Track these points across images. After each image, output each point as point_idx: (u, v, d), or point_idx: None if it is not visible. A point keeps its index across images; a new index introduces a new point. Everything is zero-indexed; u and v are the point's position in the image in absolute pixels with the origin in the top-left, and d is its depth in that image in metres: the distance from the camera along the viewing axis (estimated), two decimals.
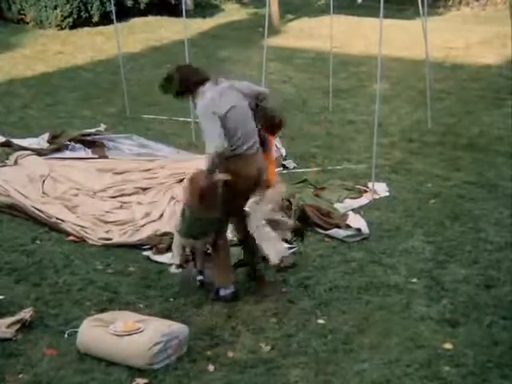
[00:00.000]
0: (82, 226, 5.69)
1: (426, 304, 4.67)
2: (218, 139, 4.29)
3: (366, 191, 6.64)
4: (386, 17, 6.54)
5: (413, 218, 6.12)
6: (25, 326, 4.22)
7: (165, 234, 5.55)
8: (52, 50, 12.76)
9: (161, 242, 5.41)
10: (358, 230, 5.67)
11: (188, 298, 4.69)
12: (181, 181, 6.72)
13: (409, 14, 17.31)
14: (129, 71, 10.54)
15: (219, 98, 4.41)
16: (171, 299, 4.68)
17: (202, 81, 4.49)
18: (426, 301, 4.72)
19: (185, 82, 4.51)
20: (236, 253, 4.93)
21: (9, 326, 4.17)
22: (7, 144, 7.34)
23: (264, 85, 7.16)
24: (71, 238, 5.57)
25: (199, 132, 8.10)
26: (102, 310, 4.44)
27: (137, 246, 5.48)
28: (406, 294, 4.81)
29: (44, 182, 6.53)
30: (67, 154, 7.43)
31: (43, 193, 6.33)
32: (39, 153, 7.26)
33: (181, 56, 10.14)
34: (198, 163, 6.99)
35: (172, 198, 6.36)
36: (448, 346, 4.16)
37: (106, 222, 5.85)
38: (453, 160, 7.72)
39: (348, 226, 5.73)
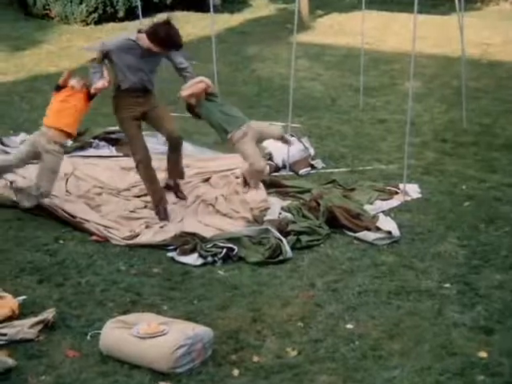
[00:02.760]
0: (106, 226, 5.73)
1: (460, 310, 4.63)
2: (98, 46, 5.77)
3: (396, 193, 6.59)
4: (419, 12, 6.50)
5: (446, 220, 6.07)
6: (47, 327, 4.27)
7: (189, 234, 5.58)
8: (77, 45, 12.88)
9: (185, 243, 5.43)
10: (389, 232, 5.64)
11: (212, 300, 4.70)
12: (206, 180, 6.75)
13: (444, 9, 17.17)
14: None
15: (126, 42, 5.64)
16: (195, 301, 4.70)
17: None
18: (459, 307, 4.67)
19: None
20: None
21: (31, 327, 4.22)
22: None
23: (292, 82, 7.13)
24: (94, 237, 5.62)
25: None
26: (125, 312, 4.47)
27: (161, 247, 5.52)
28: (438, 299, 4.77)
29: (67, 180, 6.61)
30: (91, 151, 7.50)
31: (66, 191, 6.40)
32: None
33: (207, 52, 10.16)
34: (224, 162, 7.07)
35: (197, 196, 6.39)
36: (482, 354, 4.12)
37: (130, 222, 5.88)
38: (488, 161, 7.63)
39: (378, 229, 5.70)
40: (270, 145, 7.40)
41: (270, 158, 7.23)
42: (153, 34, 5.54)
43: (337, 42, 14.00)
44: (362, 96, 9.59)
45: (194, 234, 5.53)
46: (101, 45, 5.78)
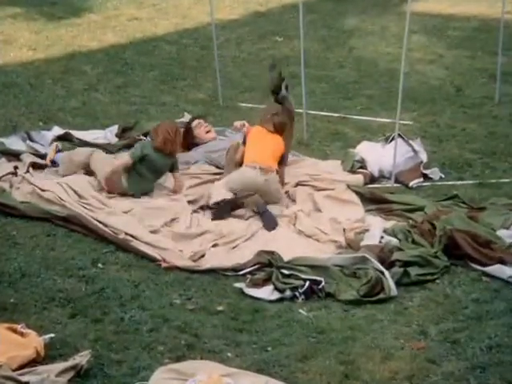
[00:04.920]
0: (160, 247, 5.83)
1: None
2: None
3: None
4: None
5: None
6: (79, 375, 4.37)
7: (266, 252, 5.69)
8: (125, 14, 13.16)
9: (259, 268, 5.55)
10: None
11: (291, 347, 4.74)
12: (285, 191, 6.79)
13: None
14: (223, 45, 10.74)
15: None
16: (269, 348, 4.74)
17: None
18: None
19: None
20: None
21: (60, 374, 4.31)
22: (66, 137, 7.59)
23: (403, 65, 7.11)
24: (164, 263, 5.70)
25: (312, 127, 8.20)
26: (179, 358, 4.55)
27: (226, 275, 5.60)
28: None
29: None
30: None
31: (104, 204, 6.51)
32: (106, 149, 7.50)
33: (292, 25, 10.26)
34: (306, 169, 7.09)
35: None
36: None
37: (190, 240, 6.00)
38: None
39: None
40: (363, 149, 7.38)
41: (361, 165, 7.21)
42: None
43: (466, 10, 13.84)
44: (498, 84, 9.46)
45: (272, 253, 5.65)
46: None
